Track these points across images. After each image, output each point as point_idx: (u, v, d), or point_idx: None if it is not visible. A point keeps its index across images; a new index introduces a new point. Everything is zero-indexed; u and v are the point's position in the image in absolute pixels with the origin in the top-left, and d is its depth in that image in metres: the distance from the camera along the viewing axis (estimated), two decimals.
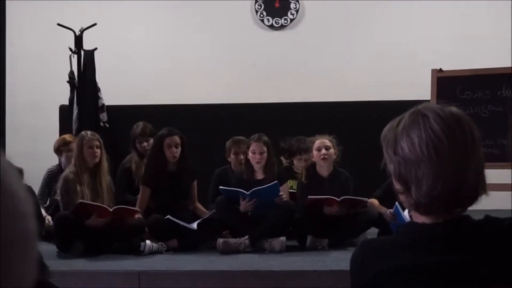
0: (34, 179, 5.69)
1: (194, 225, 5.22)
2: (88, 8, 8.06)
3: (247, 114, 7.12)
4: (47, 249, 4.98)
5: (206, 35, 8.33)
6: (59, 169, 6.06)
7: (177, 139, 5.42)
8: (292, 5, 8.34)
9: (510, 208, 5.11)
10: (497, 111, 5.38)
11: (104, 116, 7.10)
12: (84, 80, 6.99)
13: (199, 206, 5.67)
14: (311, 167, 5.54)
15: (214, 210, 5.37)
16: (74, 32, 6.98)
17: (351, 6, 8.17)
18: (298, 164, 5.90)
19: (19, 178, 0.68)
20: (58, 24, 7.01)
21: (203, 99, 7.61)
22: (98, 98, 7.07)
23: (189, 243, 5.22)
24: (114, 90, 7.49)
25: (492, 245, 1.36)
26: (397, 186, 1.45)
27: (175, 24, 8.40)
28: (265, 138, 5.41)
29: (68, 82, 7.03)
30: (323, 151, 5.41)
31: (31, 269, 0.66)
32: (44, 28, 8.11)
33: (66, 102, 7.11)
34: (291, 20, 8.35)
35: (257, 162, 5.38)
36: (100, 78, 7.12)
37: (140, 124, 6.12)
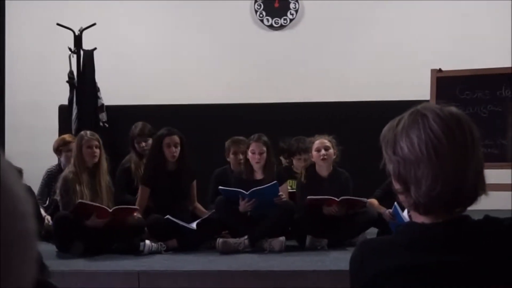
0: (34, 179, 5.69)
1: (194, 225, 5.22)
2: (87, 8, 8.06)
3: (247, 114, 7.11)
4: (47, 249, 4.98)
5: (206, 35, 8.34)
6: (58, 169, 6.06)
7: (176, 138, 5.42)
8: (292, 5, 8.34)
9: (509, 208, 5.11)
10: (497, 111, 5.38)
11: (103, 116, 7.10)
12: (83, 80, 6.99)
13: (199, 206, 5.68)
14: (311, 167, 5.54)
15: (214, 210, 5.37)
16: (74, 32, 6.98)
17: (351, 6, 8.18)
18: (298, 164, 5.90)
19: (19, 178, 0.68)
20: (58, 24, 7.01)
21: (203, 99, 7.61)
22: (97, 98, 7.07)
23: (188, 243, 5.22)
24: (113, 90, 7.49)
25: (492, 245, 1.36)
26: (397, 186, 1.45)
27: (175, 24, 8.40)
28: (265, 138, 5.41)
29: (67, 82, 7.03)
30: (323, 151, 5.41)
31: (30, 269, 0.66)
32: (43, 28, 8.11)
33: (66, 102, 7.11)
34: (291, 20, 8.35)
35: (257, 162, 5.38)
36: (100, 78, 7.12)
37: (139, 124, 6.12)
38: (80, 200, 5.08)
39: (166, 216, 5.20)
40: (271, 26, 8.37)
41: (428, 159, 1.37)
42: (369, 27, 8.26)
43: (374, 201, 5.45)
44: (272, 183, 5.18)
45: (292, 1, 8.34)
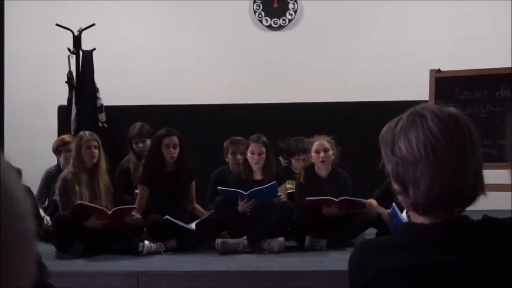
0: (33, 179, 5.69)
1: (193, 226, 5.22)
2: (87, 8, 8.06)
3: (246, 114, 7.11)
4: (46, 249, 4.98)
5: (206, 35, 8.34)
6: (57, 169, 6.06)
7: (175, 139, 5.42)
8: (291, 6, 8.34)
9: (508, 208, 5.11)
10: (496, 112, 5.38)
11: (102, 117, 7.09)
12: (82, 81, 6.99)
13: (198, 206, 5.68)
14: (310, 168, 5.54)
15: (213, 211, 5.37)
16: (73, 33, 6.98)
17: (350, 6, 8.18)
18: (297, 164, 5.91)
19: (18, 179, 0.68)
20: (57, 25, 7.00)
21: (202, 99, 7.62)
22: (96, 98, 7.07)
23: (187, 244, 5.22)
24: (113, 90, 7.49)
25: (491, 245, 1.36)
26: (395, 186, 1.45)
27: (175, 24, 8.41)
28: (264, 138, 5.41)
29: (66, 82, 7.03)
30: (322, 154, 5.42)
31: (30, 269, 0.67)
32: (42, 28, 8.11)
33: (65, 102, 7.11)
34: (290, 20, 8.35)
35: (256, 163, 5.38)
36: (99, 78, 7.12)
37: (137, 125, 6.13)
38: (79, 202, 5.08)
39: (165, 217, 5.20)
40: (270, 27, 8.37)
41: (426, 160, 1.37)
42: (368, 27, 8.26)
43: (373, 201, 5.45)
44: (271, 183, 5.18)
45: (291, 2, 8.34)
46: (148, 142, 5.99)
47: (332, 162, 5.49)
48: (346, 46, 8.24)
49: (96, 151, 5.36)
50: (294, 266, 4.58)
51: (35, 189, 5.96)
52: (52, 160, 6.32)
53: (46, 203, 6.06)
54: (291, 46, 8.28)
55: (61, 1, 8.14)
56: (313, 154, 5.47)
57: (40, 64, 8.24)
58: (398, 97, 6.69)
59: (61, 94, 7.16)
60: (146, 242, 5.10)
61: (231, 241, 5.17)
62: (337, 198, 5.23)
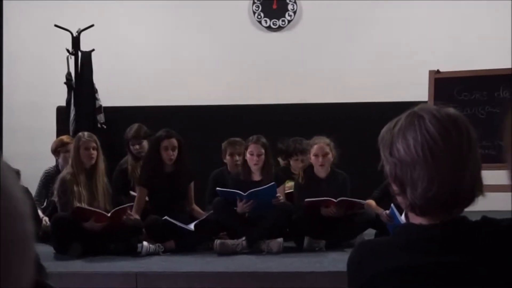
0: (31, 180, 5.69)
1: (192, 226, 5.21)
2: (87, 8, 8.05)
3: (245, 115, 7.12)
4: (44, 250, 4.98)
5: (206, 35, 8.34)
6: (56, 170, 6.06)
7: (174, 141, 5.42)
8: (290, 6, 8.34)
9: (507, 209, 5.11)
10: (495, 112, 5.38)
11: (101, 118, 7.09)
12: (81, 81, 6.98)
13: (196, 208, 5.67)
14: (309, 168, 5.54)
15: (212, 211, 5.37)
16: (71, 33, 6.98)
17: (349, 7, 8.18)
18: (295, 165, 5.91)
19: (17, 180, 0.68)
20: (56, 25, 7.00)
21: (202, 99, 7.61)
22: (95, 99, 7.07)
23: (186, 244, 5.22)
24: (112, 91, 7.49)
25: (490, 245, 1.36)
26: (394, 187, 1.45)
27: (175, 24, 8.40)
28: (263, 139, 5.41)
29: (65, 83, 7.03)
30: (321, 159, 5.42)
31: (29, 270, 0.67)
32: (41, 29, 8.11)
33: (64, 103, 7.11)
34: (289, 21, 8.35)
35: (255, 164, 5.38)
36: (99, 79, 7.11)
37: (134, 126, 6.13)
38: (78, 205, 5.08)
39: (164, 217, 5.19)
40: (269, 28, 8.37)
41: (424, 161, 1.37)
42: (368, 28, 8.26)
43: (371, 202, 5.46)
44: (270, 184, 5.18)
45: (290, 2, 8.34)
46: (145, 143, 6.00)
47: (331, 163, 5.50)
48: (345, 47, 8.25)
49: (95, 152, 5.36)
50: (293, 267, 4.59)
51: (33, 190, 5.96)
52: (50, 161, 6.32)
53: (45, 204, 6.06)
54: (291, 46, 8.28)
55: (60, 1, 8.14)
56: (312, 157, 5.47)
57: (39, 65, 8.23)
58: (397, 97, 6.68)
59: (60, 95, 7.16)
60: (145, 243, 5.09)
61: (229, 242, 5.17)
62: (336, 199, 5.23)
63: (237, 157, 5.79)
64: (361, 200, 5.33)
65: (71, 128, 6.84)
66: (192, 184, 5.62)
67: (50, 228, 5.23)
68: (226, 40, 8.36)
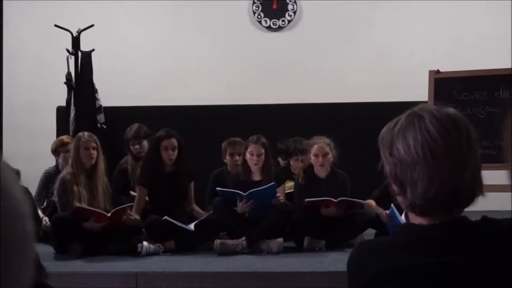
0: (31, 180, 5.69)
1: (192, 226, 5.21)
2: (87, 8, 8.05)
3: (246, 115, 7.12)
4: (44, 250, 4.98)
5: (206, 35, 8.34)
6: (56, 170, 6.06)
7: (174, 142, 5.42)
8: (290, 6, 8.34)
9: (507, 209, 5.11)
10: (495, 113, 5.38)
11: (101, 118, 7.09)
12: (81, 82, 6.99)
13: (196, 208, 5.67)
14: (309, 169, 5.54)
15: (212, 211, 5.37)
16: (72, 33, 6.98)
17: (349, 7, 8.17)
18: (295, 165, 5.91)
19: (17, 180, 0.68)
20: (56, 25, 7.00)
21: (202, 99, 7.62)
22: (95, 99, 7.07)
23: (186, 244, 5.22)
24: (112, 91, 7.49)
25: (490, 245, 1.36)
26: (394, 187, 1.45)
27: (175, 24, 8.40)
28: (263, 139, 5.41)
29: (65, 83, 7.03)
30: (320, 159, 5.42)
31: (29, 270, 0.67)
32: (41, 29, 8.11)
33: (64, 103, 7.11)
34: (289, 21, 8.35)
35: (255, 164, 5.38)
36: (99, 78, 7.11)
37: (134, 126, 6.13)
38: (78, 205, 5.08)
39: (164, 217, 5.19)
40: (269, 28, 8.37)
41: (424, 161, 1.37)
42: (368, 27, 8.26)
43: (371, 202, 5.46)
44: (270, 184, 5.18)
45: (290, 3, 8.34)
46: (145, 143, 6.01)
47: (331, 163, 5.50)
48: (345, 47, 8.25)
49: (95, 152, 5.36)
50: (293, 267, 4.59)
51: (33, 190, 5.96)
52: (50, 161, 6.32)
53: (45, 204, 6.06)
54: (291, 46, 8.28)
55: (60, 1, 8.13)
56: (312, 157, 5.47)
57: (39, 65, 8.23)
58: (397, 97, 6.68)
59: (60, 95, 7.16)
60: (145, 243, 5.09)
61: (229, 242, 5.17)
62: (336, 199, 5.23)
63: (237, 157, 5.79)
64: (361, 200, 5.33)
65: (71, 128, 6.84)
66: (192, 184, 5.62)
67: (50, 228, 5.23)
68: (226, 40, 8.37)
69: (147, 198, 5.52)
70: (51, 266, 4.36)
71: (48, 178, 6.07)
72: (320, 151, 5.43)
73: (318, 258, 4.87)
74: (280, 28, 8.37)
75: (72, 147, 5.47)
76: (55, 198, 5.42)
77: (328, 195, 5.26)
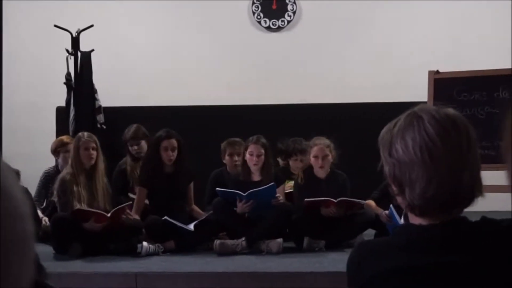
0: (31, 181, 5.69)
1: (191, 226, 5.21)
2: (87, 8, 8.05)
3: (246, 115, 7.12)
4: (44, 250, 4.98)
5: (206, 35, 8.34)
6: (56, 170, 6.06)
7: (174, 142, 5.42)
8: (289, 7, 8.34)
9: (507, 209, 5.11)
10: (494, 113, 5.39)
11: (101, 118, 7.09)
12: (80, 82, 6.98)
13: (196, 208, 5.67)
14: (308, 169, 5.54)
15: (211, 212, 5.37)
16: (71, 34, 6.98)
17: (349, 7, 8.18)
18: (294, 165, 5.91)
19: (16, 180, 0.68)
20: (55, 26, 7.00)
21: (202, 99, 7.62)
22: (95, 99, 7.07)
23: (186, 245, 5.22)
24: (112, 91, 7.49)
25: (490, 246, 1.36)
26: (393, 188, 1.45)
27: (175, 24, 8.41)
28: (263, 140, 5.41)
29: (65, 83, 7.03)
30: (320, 161, 5.42)
31: (29, 270, 0.67)
32: (41, 29, 8.11)
33: (63, 104, 7.11)
34: (288, 21, 8.35)
35: (254, 164, 5.38)
36: (98, 79, 7.11)
37: (132, 127, 6.13)
38: (78, 207, 5.08)
39: (164, 218, 5.19)
40: (268, 28, 8.37)
41: (422, 162, 1.37)
42: (367, 28, 8.26)
43: (371, 202, 5.46)
44: (270, 184, 5.19)
45: (290, 3, 8.33)
46: (143, 143, 6.02)
47: (331, 163, 5.50)
48: (345, 47, 8.24)
49: (94, 152, 5.36)
50: (293, 267, 4.59)
51: (33, 190, 5.96)
52: (50, 161, 6.32)
53: (44, 204, 6.06)
54: (291, 47, 8.28)
55: (60, 1, 8.13)
56: (312, 159, 5.47)
57: (38, 65, 8.23)
58: (397, 98, 6.68)
59: (60, 95, 7.16)
60: (145, 243, 5.09)
61: (229, 242, 5.16)
62: (335, 199, 5.23)
63: (236, 157, 5.79)
64: (360, 200, 5.33)
65: (71, 128, 6.84)
66: (191, 185, 5.62)
67: (49, 228, 5.23)
68: (226, 40, 8.37)
69: (147, 201, 5.52)
70: (51, 266, 4.36)
71: (48, 178, 6.07)
72: (320, 153, 5.43)
73: (317, 258, 4.87)
74: (279, 28, 8.37)
75: (71, 147, 5.48)
76: (54, 198, 5.42)
77: (328, 195, 5.26)
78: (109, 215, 5.06)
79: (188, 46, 8.32)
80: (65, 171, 5.38)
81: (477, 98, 5.48)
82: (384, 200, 5.28)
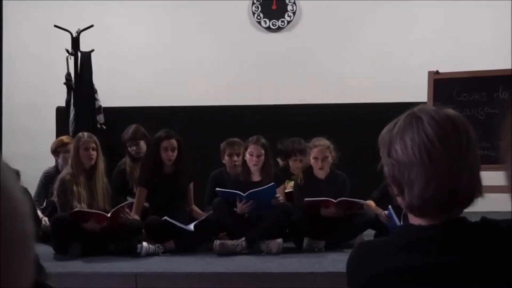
0: (31, 181, 5.69)
1: (191, 227, 5.21)
2: (87, 8, 8.05)
3: (245, 115, 7.12)
4: (44, 250, 4.98)
5: (206, 35, 8.34)
6: (56, 170, 6.06)
7: (174, 142, 5.42)
8: (289, 7, 8.34)
9: (507, 210, 5.11)
10: (494, 113, 5.38)
11: (101, 118, 7.09)
12: (80, 82, 6.98)
13: (196, 208, 5.67)
14: (308, 169, 5.54)
15: (211, 212, 5.37)
16: (71, 34, 6.98)
17: (349, 7, 8.18)
18: (294, 165, 5.90)
19: (17, 180, 0.68)
20: (55, 26, 7.00)
21: (202, 100, 7.62)
22: (95, 100, 7.06)
23: (186, 245, 5.22)
24: (112, 92, 7.49)
25: (490, 246, 1.36)
26: (392, 188, 1.45)
27: (175, 24, 8.41)
28: (263, 140, 5.41)
29: (65, 83, 7.02)
30: (320, 162, 5.42)
31: (29, 270, 0.67)
32: (41, 29, 8.11)
33: (63, 104, 7.11)
34: (288, 22, 8.35)
35: (254, 165, 5.38)
36: (98, 79, 7.11)
37: (131, 127, 6.13)
38: (76, 209, 5.07)
39: (164, 218, 5.19)
40: (268, 28, 8.37)
41: (421, 163, 1.37)
42: (367, 28, 8.26)
43: (371, 202, 5.46)
44: (270, 184, 5.19)
45: (290, 3, 8.33)
46: (142, 144, 6.02)
47: (331, 164, 5.50)
48: (345, 47, 8.24)
49: (94, 153, 5.36)
50: (293, 268, 4.59)
51: (33, 191, 5.96)
52: (50, 162, 6.32)
53: (44, 204, 6.06)
54: (290, 47, 8.28)
55: (60, 2, 8.14)
56: (312, 160, 5.47)
57: (38, 65, 8.23)
58: (397, 98, 6.68)
59: (60, 96, 7.16)
60: (144, 243, 5.09)
61: (229, 242, 5.17)
62: (335, 200, 5.23)
63: (235, 158, 5.78)
64: (360, 200, 5.33)
65: (71, 128, 6.84)
66: (191, 185, 5.62)
67: (49, 229, 5.23)
68: (226, 40, 8.37)
69: (147, 204, 5.52)
70: (51, 266, 4.36)
71: (48, 179, 6.07)
72: (320, 155, 5.43)
73: (317, 258, 4.87)
74: (279, 28, 8.37)
75: (71, 148, 5.47)
76: (54, 198, 5.42)
77: (328, 196, 5.26)
78: (109, 215, 5.06)
79: (188, 46, 8.32)
80: (65, 171, 5.38)
81: (476, 99, 5.48)
82: (384, 201, 5.28)
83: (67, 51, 6.97)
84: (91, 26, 6.98)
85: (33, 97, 8.18)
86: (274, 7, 8.33)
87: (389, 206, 5.07)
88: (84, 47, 7.03)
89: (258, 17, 8.36)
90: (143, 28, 8.37)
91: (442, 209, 1.39)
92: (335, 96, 7.60)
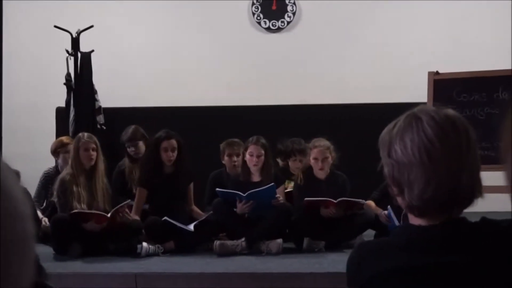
0: (31, 181, 5.69)
1: (191, 227, 5.21)
2: (87, 8, 8.05)
3: (245, 115, 7.12)
4: (44, 251, 4.98)
5: (206, 35, 8.34)
6: (55, 171, 6.06)
7: (173, 143, 5.42)
8: (289, 7, 8.34)
9: (507, 210, 5.10)
10: (494, 114, 5.38)
11: (101, 118, 7.09)
12: (80, 82, 6.98)
13: (196, 209, 5.67)
14: (308, 170, 5.54)
15: (211, 212, 5.37)
16: (71, 34, 6.98)
17: (349, 8, 8.18)
18: (293, 165, 5.90)
19: (17, 180, 0.68)
20: (55, 26, 7.00)
21: (202, 100, 7.62)
22: (94, 100, 7.06)
23: (186, 245, 5.22)
24: (112, 92, 7.49)
25: (489, 246, 1.36)
26: (392, 188, 1.45)
27: (175, 24, 8.41)
28: (263, 140, 5.41)
29: (64, 84, 7.02)
30: (320, 163, 5.42)
31: (29, 270, 0.67)
32: (41, 30, 8.11)
33: (63, 104, 7.10)
34: (288, 22, 8.35)
35: (254, 165, 5.38)
36: (98, 80, 7.11)
37: (130, 128, 6.13)
38: (75, 211, 5.07)
39: (164, 218, 5.19)
40: (268, 29, 8.37)
41: (421, 163, 1.37)
42: (367, 28, 8.26)
43: (371, 203, 5.46)
44: (270, 185, 5.19)
45: (290, 4, 8.34)
46: (141, 144, 6.02)
47: (331, 164, 5.50)
48: (345, 48, 8.25)
49: (94, 153, 5.36)
50: (292, 268, 4.59)
51: (33, 191, 5.96)
52: (50, 162, 6.32)
53: (44, 204, 6.06)
54: (290, 47, 8.28)
55: (60, 2, 8.14)
56: (312, 161, 5.47)
57: (38, 65, 8.23)
58: (397, 99, 6.68)
59: (59, 96, 7.16)
60: (144, 243, 5.09)
61: (229, 242, 5.17)
62: (335, 200, 5.23)
63: (235, 158, 5.78)
64: (360, 200, 5.33)
65: (71, 129, 6.83)
66: (191, 185, 5.62)
67: (49, 229, 5.23)
68: (226, 40, 8.37)
69: (146, 207, 5.52)
70: (51, 266, 4.37)
71: (48, 179, 6.07)
72: (320, 155, 5.43)
73: (317, 259, 4.87)
74: (279, 29, 8.38)
75: (71, 148, 5.48)
76: (54, 198, 5.42)
77: (328, 196, 5.26)
78: (109, 215, 5.06)
79: (188, 46, 8.32)
80: (65, 172, 5.38)
81: (476, 99, 5.48)
82: (384, 201, 5.28)
83: (67, 51, 6.97)
84: (91, 26, 6.98)
85: (33, 97, 8.18)
86: (274, 7, 8.33)
87: (388, 207, 5.07)
88: (84, 47, 7.03)
89: (258, 18, 8.36)
90: (143, 28, 8.37)
91: (442, 209, 1.39)
92: (335, 96, 7.60)
